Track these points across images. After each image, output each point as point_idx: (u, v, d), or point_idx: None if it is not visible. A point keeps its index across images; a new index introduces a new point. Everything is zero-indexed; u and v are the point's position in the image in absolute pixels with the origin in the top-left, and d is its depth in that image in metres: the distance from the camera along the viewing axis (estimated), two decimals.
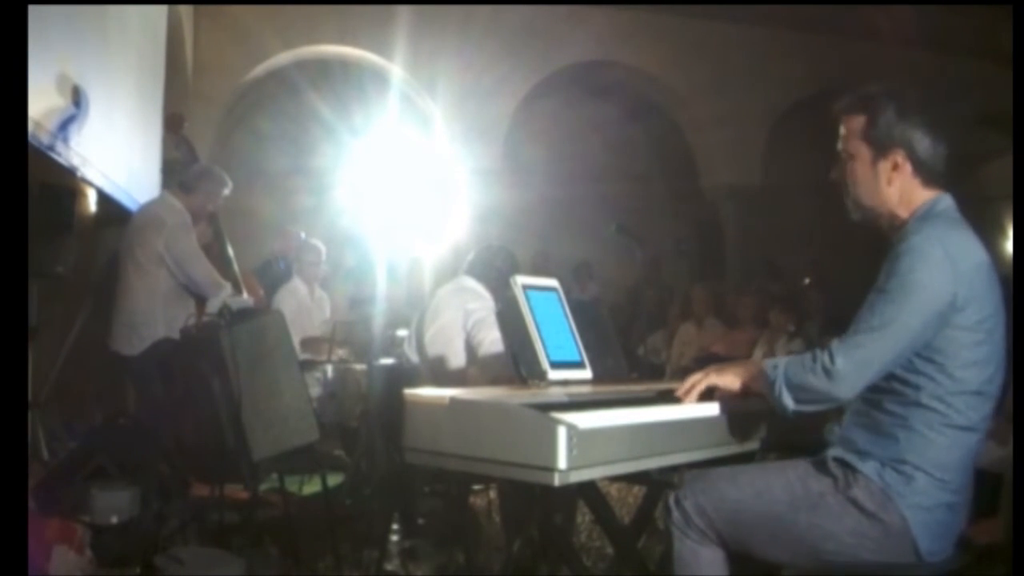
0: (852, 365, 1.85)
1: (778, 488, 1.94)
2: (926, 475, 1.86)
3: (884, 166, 2.00)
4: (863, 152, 2.02)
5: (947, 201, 2.01)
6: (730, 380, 2.06)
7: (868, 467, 1.89)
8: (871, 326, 1.86)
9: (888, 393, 1.91)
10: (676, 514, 1.97)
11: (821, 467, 1.95)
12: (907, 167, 1.99)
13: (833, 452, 1.95)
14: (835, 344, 1.89)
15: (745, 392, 2.05)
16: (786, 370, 1.93)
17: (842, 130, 2.06)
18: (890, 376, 1.90)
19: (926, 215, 1.97)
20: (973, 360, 1.88)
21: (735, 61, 9.45)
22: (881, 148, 2.00)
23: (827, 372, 1.86)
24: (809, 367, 1.90)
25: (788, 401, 1.91)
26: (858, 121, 2.02)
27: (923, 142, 1.98)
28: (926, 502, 1.86)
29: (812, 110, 9.83)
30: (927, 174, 2.00)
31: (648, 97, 10.18)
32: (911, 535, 1.85)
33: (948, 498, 1.88)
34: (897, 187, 2.00)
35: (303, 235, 7.10)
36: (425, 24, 8.49)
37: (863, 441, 1.93)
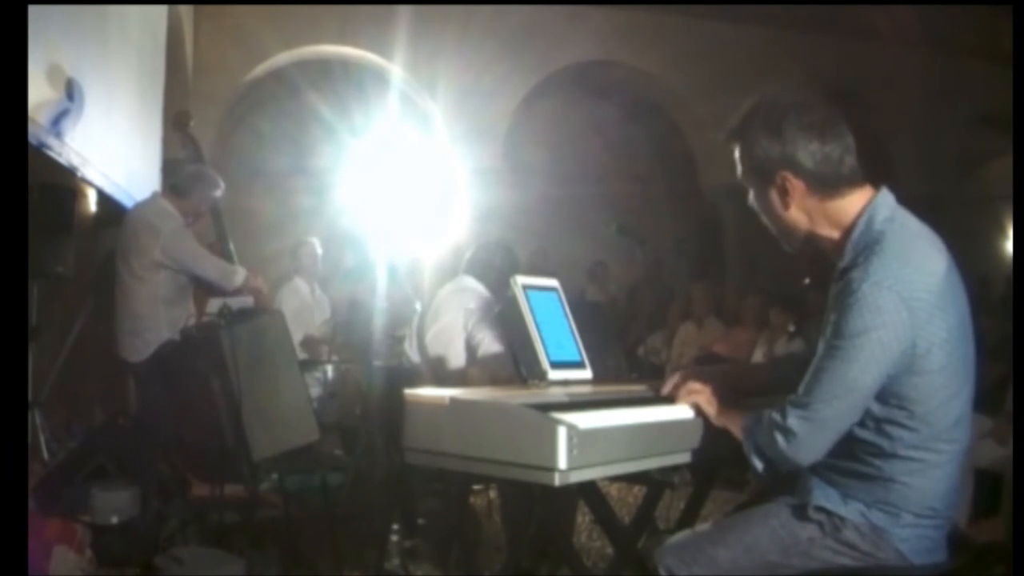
0: (808, 427, 1.74)
1: (765, 538, 1.86)
2: (913, 514, 1.79)
3: (773, 194, 1.82)
4: (752, 183, 1.87)
5: (883, 210, 1.77)
6: (705, 402, 1.99)
7: (852, 511, 1.80)
8: (824, 393, 1.72)
9: (863, 443, 1.78)
10: None
11: (801, 514, 1.85)
12: (799, 185, 1.78)
13: (814, 500, 1.84)
14: (789, 403, 1.77)
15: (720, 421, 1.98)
16: (754, 433, 1.83)
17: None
18: (864, 427, 1.77)
19: (866, 242, 1.74)
20: (947, 397, 1.75)
21: (735, 61, 9.44)
22: (764, 175, 1.82)
23: (782, 431, 1.76)
24: (767, 426, 1.79)
25: (756, 463, 1.84)
26: (737, 151, 1.86)
27: (807, 150, 1.76)
28: (916, 532, 1.80)
29: None
30: (828, 182, 1.77)
31: (648, 97, 10.18)
32: (906, 559, 1.81)
33: (936, 522, 1.83)
34: (799, 209, 1.80)
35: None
36: (425, 24, 8.49)
37: (845, 478, 1.81)
